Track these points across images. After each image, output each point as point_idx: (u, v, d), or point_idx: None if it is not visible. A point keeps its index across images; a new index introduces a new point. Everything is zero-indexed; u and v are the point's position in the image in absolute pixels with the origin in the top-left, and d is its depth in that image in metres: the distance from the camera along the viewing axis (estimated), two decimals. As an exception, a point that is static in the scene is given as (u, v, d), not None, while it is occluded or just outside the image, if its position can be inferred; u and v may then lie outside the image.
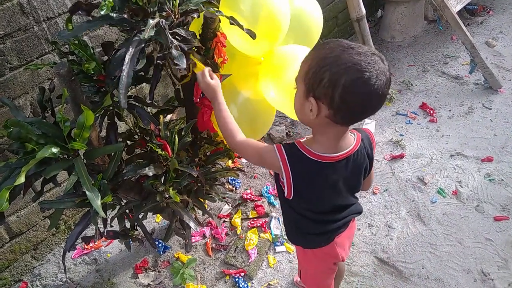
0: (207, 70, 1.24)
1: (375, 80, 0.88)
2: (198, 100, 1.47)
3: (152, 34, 0.99)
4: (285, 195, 1.11)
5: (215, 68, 1.40)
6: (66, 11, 1.61)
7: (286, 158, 1.05)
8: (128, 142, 1.52)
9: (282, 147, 1.07)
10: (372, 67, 0.88)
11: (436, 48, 3.10)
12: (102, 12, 0.90)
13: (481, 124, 2.44)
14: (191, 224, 1.43)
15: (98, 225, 1.31)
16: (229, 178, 2.25)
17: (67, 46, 1.54)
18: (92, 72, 1.22)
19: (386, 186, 2.17)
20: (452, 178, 2.16)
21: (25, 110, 1.65)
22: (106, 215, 1.36)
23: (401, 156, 2.31)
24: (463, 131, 2.41)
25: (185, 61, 1.06)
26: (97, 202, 1.11)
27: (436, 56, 3.02)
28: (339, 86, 0.90)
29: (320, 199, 1.14)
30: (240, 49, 1.40)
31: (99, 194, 1.13)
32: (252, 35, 1.14)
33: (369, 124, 2.53)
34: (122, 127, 1.82)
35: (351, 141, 1.08)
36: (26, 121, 1.15)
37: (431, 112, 2.55)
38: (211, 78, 1.23)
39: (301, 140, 1.10)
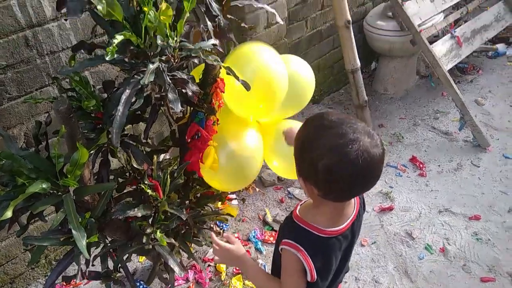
0: (218, 241, 1.20)
1: (356, 161, 0.84)
2: (189, 140, 1.47)
3: (152, 80, 1.01)
4: (309, 279, 1.02)
5: (212, 112, 1.43)
6: (70, 46, 1.64)
7: (301, 247, 0.99)
8: (120, 179, 1.52)
9: (291, 241, 1.01)
10: (351, 148, 0.85)
11: (427, 103, 3.19)
12: (107, 58, 0.91)
13: (469, 182, 2.47)
14: (176, 269, 1.40)
15: (80, 264, 1.28)
16: (218, 223, 2.22)
17: (67, 80, 1.55)
18: (91, 109, 1.23)
19: (374, 238, 2.16)
20: (440, 234, 2.16)
21: (18, 140, 1.64)
22: (90, 255, 1.33)
23: (390, 209, 2.31)
24: (451, 187, 2.44)
25: (179, 105, 1.08)
26: (83, 243, 1.09)
27: (427, 110, 3.10)
28: (319, 170, 0.88)
29: (337, 271, 1.10)
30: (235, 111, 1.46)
31: (85, 234, 1.11)
32: (247, 87, 1.17)
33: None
34: (114, 162, 1.81)
35: (352, 205, 1.05)
36: (19, 154, 1.14)
37: (421, 166, 2.59)
38: (230, 242, 1.19)
39: (299, 213, 1.05)
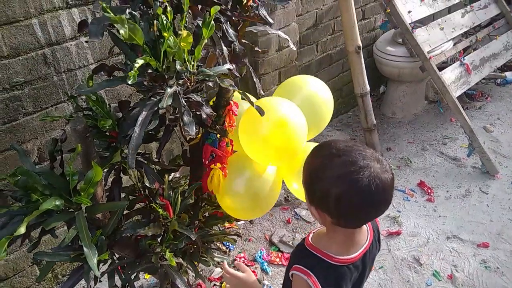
0: (226, 263, 1.29)
1: (367, 188, 0.85)
2: (206, 162, 1.49)
3: (169, 103, 1.03)
4: None
5: (224, 134, 1.45)
6: (86, 65, 1.68)
7: (313, 275, 0.98)
8: (130, 197, 1.53)
9: (302, 267, 1.01)
10: (362, 175, 0.85)
11: (435, 128, 3.20)
12: (129, 82, 0.94)
13: (477, 208, 2.45)
14: (183, 288, 1.40)
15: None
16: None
17: (82, 97, 1.59)
18: (106, 128, 1.26)
19: (381, 263, 2.14)
20: (448, 261, 2.14)
21: (31, 154, 1.67)
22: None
23: (397, 233, 2.30)
24: (459, 214, 2.42)
25: (194, 128, 1.10)
26: (94, 261, 1.10)
27: (435, 136, 3.11)
28: (331, 199, 0.89)
29: None
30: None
31: (96, 252, 1.12)
32: (261, 112, 1.19)
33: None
34: (123, 179, 1.83)
35: (365, 233, 1.05)
36: (34, 171, 1.16)
37: (429, 191, 2.58)
38: (240, 270, 1.23)
39: (311, 240, 1.05)
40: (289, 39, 1.60)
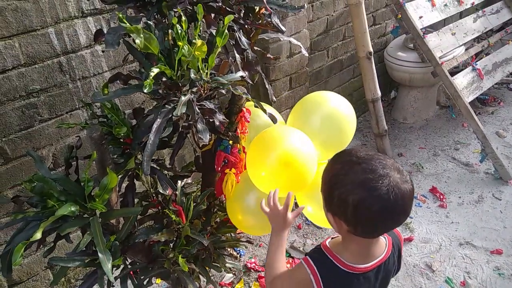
0: (289, 203, 1.22)
1: (386, 196, 0.85)
2: (219, 168, 1.50)
3: (184, 111, 1.05)
4: None
5: (236, 140, 1.46)
6: (101, 72, 1.71)
7: (316, 270, 1.01)
8: (143, 202, 1.55)
9: (310, 259, 1.04)
10: (382, 183, 0.85)
11: (447, 133, 3.17)
12: (145, 91, 0.96)
13: (491, 215, 2.43)
14: (196, 294, 1.41)
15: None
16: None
17: (96, 105, 1.61)
18: (121, 135, 1.27)
19: (393, 269, 2.13)
20: (461, 267, 2.12)
21: (46, 160, 1.70)
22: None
23: (409, 240, 2.29)
24: (472, 220, 2.40)
25: (208, 135, 1.11)
26: (108, 266, 1.11)
27: (447, 141, 3.09)
28: (349, 205, 0.89)
29: None
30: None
31: (111, 258, 1.14)
32: (274, 120, 1.20)
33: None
34: (137, 184, 1.85)
35: (382, 247, 1.04)
36: (50, 177, 1.18)
37: (441, 197, 2.56)
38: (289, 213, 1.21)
39: (328, 244, 1.07)
40: (301, 45, 1.61)
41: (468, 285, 2.02)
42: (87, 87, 1.69)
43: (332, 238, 1.10)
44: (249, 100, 1.19)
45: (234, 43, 1.34)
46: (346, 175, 0.90)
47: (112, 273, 1.45)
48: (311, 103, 1.52)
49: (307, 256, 1.05)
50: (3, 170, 1.58)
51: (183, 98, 1.08)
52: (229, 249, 1.94)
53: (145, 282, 1.46)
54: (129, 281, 1.51)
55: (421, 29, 2.59)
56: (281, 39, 1.54)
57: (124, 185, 1.44)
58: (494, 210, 2.47)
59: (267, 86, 1.55)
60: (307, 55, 1.68)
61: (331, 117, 1.46)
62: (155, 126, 1.11)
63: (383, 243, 1.04)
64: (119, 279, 1.50)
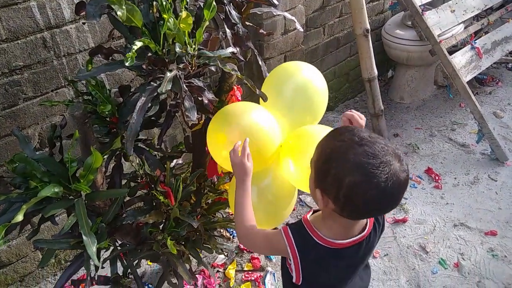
0: (247, 150, 1.16)
1: (383, 184, 0.82)
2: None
3: (169, 88, 0.99)
4: (293, 280, 1.04)
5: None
6: (87, 49, 1.65)
7: (293, 242, 1.00)
8: (132, 183, 1.51)
9: (289, 229, 1.02)
10: (382, 170, 0.82)
11: (444, 113, 3.13)
12: (126, 64, 0.90)
13: (486, 196, 2.41)
14: (185, 276, 1.38)
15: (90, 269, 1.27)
16: (228, 225, 2.20)
17: (83, 83, 1.55)
18: (106, 114, 1.22)
19: (386, 250, 2.12)
20: (455, 249, 2.11)
21: (33, 140, 1.65)
22: (100, 259, 1.33)
23: (403, 221, 2.27)
24: (467, 201, 2.38)
25: (195, 113, 1.06)
26: (93, 249, 1.08)
27: (444, 121, 3.05)
28: (343, 186, 0.85)
29: (330, 286, 1.08)
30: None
31: (96, 240, 1.10)
32: (264, 97, 1.15)
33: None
34: (126, 165, 1.81)
35: (363, 224, 1.02)
36: (33, 157, 1.14)
37: (437, 178, 2.54)
38: (248, 160, 1.15)
39: (309, 218, 1.05)
40: (295, 20, 1.54)
41: (461, 266, 2.02)
42: (73, 64, 1.63)
43: (314, 211, 1.09)
44: (239, 77, 1.13)
45: (224, 17, 1.28)
46: (346, 154, 0.86)
47: (101, 255, 1.42)
48: (282, 74, 1.43)
49: (286, 226, 1.04)
50: (-13, 149, 1.54)
51: (169, 75, 1.03)
52: (221, 230, 1.92)
53: (134, 264, 1.43)
54: (119, 263, 1.49)
55: (420, 6, 2.52)
56: (275, 14, 1.47)
57: (111, 165, 1.40)
58: (490, 191, 2.45)
59: (260, 62, 1.50)
60: (302, 30, 1.62)
61: (303, 89, 1.38)
62: (139, 104, 1.06)
63: (363, 221, 1.02)
64: (109, 261, 1.49)
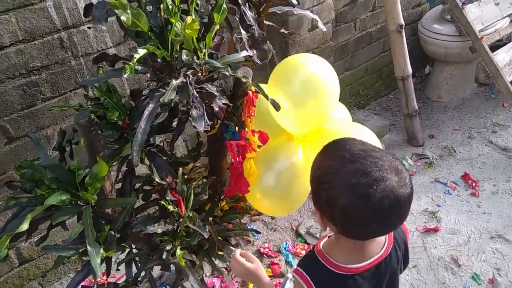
0: (238, 252, 1.18)
1: (379, 204, 0.75)
2: (237, 159, 1.40)
3: (173, 97, 0.94)
4: None
5: (242, 125, 1.35)
6: (105, 48, 1.62)
7: (308, 277, 0.94)
8: (148, 186, 1.48)
9: (301, 268, 0.97)
10: (375, 189, 0.75)
11: (485, 114, 2.93)
12: (124, 75, 0.86)
13: (528, 206, 2.23)
14: (196, 286, 1.34)
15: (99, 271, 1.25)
16: (248, 226, 2.15)
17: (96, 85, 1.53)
18: (115, 120, 1.19)
19: (415, 261, 2.00)
20: (490, 263, 1.96)
21: (52, 139, 1.65)
22: (111, 264, 1.31)
23: (435, 230, 2.14)
24: (507, 211, 2.21)
25: (203, 124, 1.00)
26: (97, 260, 1.06)
27: (484, 122, 2.85)
28: (336, 207, 0.80)
29: None
30: (285, 128, 1.35)
31: (100, 251, 1.08)
32: (276, 106, 1.07)
33: (403, 188, 2.38)
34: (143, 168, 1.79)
35: (380, 244, 0.94)
36: (41, 164, 1.12)
37: (474, 184, 2.37)
38: (248, 260, 1.15)
39: (322, 245, 0.98)
40: (318, 19, 1.45)
41: (497, 283, 1.87)
42: (91, 64, 1.61)
43: (328, 236, 1.02)
44: (250, 84, 1.06)
45: (239, 18, 1.21)
46: (336, 174, 0.80)
47: (117, 257, 1.40)
48: (289, 68, 1.37)
49: (297, 267, 0.98)
50: (7, 150, 1.55)
51: (174, 82, 0.97)
52: (237, 238, 1.87)
53: (146, 271, 1.40)
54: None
55: (460, -1, 2.34)
56: (295, 12, 1.38)
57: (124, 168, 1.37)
58: (532, 200, 2.26)
59: (277, 64, 1.42)
60: (325, 30, 1.52)
61: (309, 83, 1.31)
62: (146, 112, 1.02)
63: (380, 239, 0.95)
64: (124, 263, 1.47)
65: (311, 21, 2.17)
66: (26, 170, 1.12)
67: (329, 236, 1.03)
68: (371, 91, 3.08)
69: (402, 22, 2.28)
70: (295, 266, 1.97)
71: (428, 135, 2.79)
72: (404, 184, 0.78)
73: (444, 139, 2.76)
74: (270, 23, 1.55)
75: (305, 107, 1.29)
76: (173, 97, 0.95)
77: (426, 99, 3.16)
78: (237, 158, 1.39)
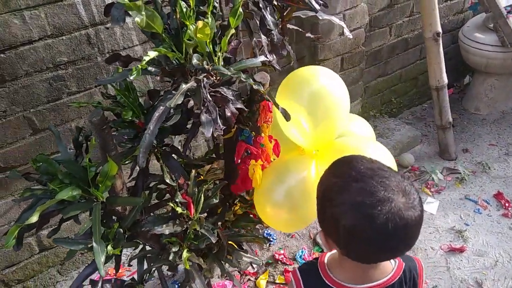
0: None
1: (383, 226, 0.72)
2: (239, 160, 1.39)
3: (180, 102, 0.93)
4: None
5: (257, 131, 1.32)
6: (131, 46, 1.64)
7: (301, 281, 0.95)
8: (162, 185, 1.48)
9: (298, 270, 0.96)
10: (380, 210, 0.72)
11: (526, 129, 2.76)
12: (131, 77, 0.85)
13: None
14: (202, 290, 1.34)
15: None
16: (265, 232, 2.13)
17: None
18: (129, 119, 1.20)
19: (436, 281, 1.91)
20: (518, 290, 1.85)
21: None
22: (120, 260, 1.32)
23: (461, 250, 2.03)
24: (541, 236, 2.08)
25: (211, 130, 0.99)
26: (101, 258, 1.06)
27: (525, 139, 2.68)
28: (340, 228, 0.77)
29: None
30: (294, 141, 1.32)
31: (106, 249, 1.09)
32: (287, 117, 1.04)
33: (431, 204, 2.28)
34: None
35: (386, 271, 0.90)
36: (56, 159, 1.14)
37: (507, 204, 2.24)
38: None
39: (326, 258, 0.96)
40: (344, 25, 1.40)
41: (523, 311, 1.76)
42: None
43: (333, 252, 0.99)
44: (262, 91, 1.03)
45: (259, 23, 1.19)
46: (340, 193, 0.77)
47: (130, 253, 1.41)
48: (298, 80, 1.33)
49: (296, 269, 1.00)
50: (32, 140, 1.60)
51: (184, 87, 0.96)
52: (249, 244, 1.84)
53: (154, 269, 1.41)
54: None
55: (505, 7, 2.21)
56: (320, 18, 1.34)
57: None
58: None
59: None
60: (351, 37, 1.47)
61: (318, 97, 1.27)
62: (156, 114, 1.01)
63: (388, 267, 0.90)
64: (136, 260, 1.49)
65: (343, 25, 2.11)
66: (41, 163, 1.15)
67: (332, 252, 1.00)
68: (405, 99, 2.97)
69: (440, 29, 2.18)
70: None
71: (462, 149, 2.66)
72: (412, 206, 0.75)
73: (479, 154, 2.62)
74: (295, 27, 1.51)
75: (315, 121, 1.25)
76: (179, 102, 0.94)
77: (463, 110, 3.01)
78: (239, 160, 1.37)
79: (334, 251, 0.99)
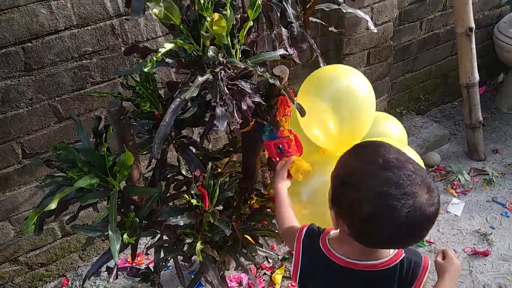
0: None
1: (403, 219, 0.72)
2: (277, 159, 1.36)
3: (194, 95, 0.93)
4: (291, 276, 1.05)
5: (276, 126, 1.31)
6: (155, 37, 1.65)
7: (302, 240, 0.99)
8: (180, 177, 1.49)
9: (306, 229, 1.01)
10: (404, 202, 0.72)
11: (562, 131, 2.63)
12: (145, 69, 0.85)
13: None
14: (215, 281, 1.34)
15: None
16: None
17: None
18: (147, 110, 1.21)
19: (458, 285, 1.85)
20: (544, 299, 1.77)
21: (100, 122, 1.71)
22: (136, 249, 1.34)
23: (485, 254, 1.96)
24: None
25: (225, 124, 0.98)
26: (116, 246, 1.08)
27: (560, 141, 2.56)
28: (357, 214, 0.77)
29: None
30: (316, 142, 1.30)
31: (121, 237, 1.11)
32: (302, 112, 1.02)
33: (456, 205, 2.21)
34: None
35: (382, 255, 0.89)
36: (76, 147, 1.17)
37: (537, 209, 2.15)
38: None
39: (330, 233, 0.98)
40: (368, 19, 1.37)
41: (549, 321, 1.69)
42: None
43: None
44: (279, 86, 1.02)
45: (279, 15, 1.17)
46: (366, 178, 0.76)
47: (147, 242, 1.42)
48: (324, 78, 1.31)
49: (307, 225, 1.03)
50: (57, 128, 1.64)
51: (199, 79, 0.96)
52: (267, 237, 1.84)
53: (168, 259, 1.43)
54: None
55: (545, 2, 2.09)
56: (344, 11, 1.31)
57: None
58: None
59: (321, 65, 1.36)
60: (375, 31, 1.42)
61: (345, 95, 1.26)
62: (172, 106, 1.02)
63: (385, 253, 0.90)
64: (153, 249, 1.51)
65: (371, 18, 2.05)
66: (61, 151, 1.17)
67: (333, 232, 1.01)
68: (434, 97, 2.88)
69: (473, 25, 2.09)
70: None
71: (492, 150, 2.56)
72: (432, 203, 0.75)
73: (509, 155, 2.51)
74: (319, 20, 1.48)
75: (341, 121, 1.22)
76: (194, 94, 0.94)
77: (495, 109, 2.89)
78: (277, 158, 1.34)
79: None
